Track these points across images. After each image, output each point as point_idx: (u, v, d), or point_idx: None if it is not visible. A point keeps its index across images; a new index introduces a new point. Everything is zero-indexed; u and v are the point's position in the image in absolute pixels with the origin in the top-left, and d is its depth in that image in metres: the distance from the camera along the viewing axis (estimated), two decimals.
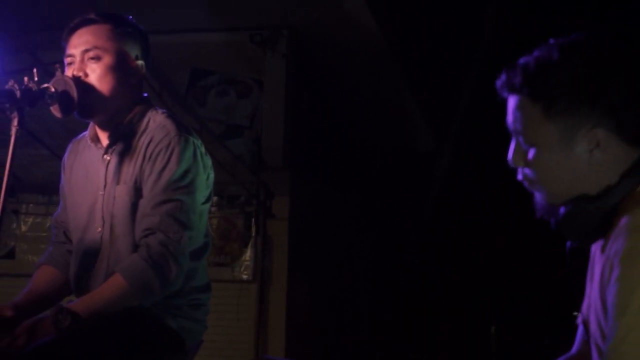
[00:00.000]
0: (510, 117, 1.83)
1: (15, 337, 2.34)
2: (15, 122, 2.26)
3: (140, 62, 2.67)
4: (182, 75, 6.43)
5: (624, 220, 1.67)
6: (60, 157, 5.44)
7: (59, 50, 5.28)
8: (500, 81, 1.83)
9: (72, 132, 5.46)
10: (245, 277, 6.10)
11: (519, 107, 1.79)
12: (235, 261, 6.11)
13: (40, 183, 6.14)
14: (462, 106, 7.06)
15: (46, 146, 5.36)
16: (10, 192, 6.90)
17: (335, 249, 7.38)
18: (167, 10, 5.99)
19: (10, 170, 2.24)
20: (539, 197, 1.85)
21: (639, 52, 1.75)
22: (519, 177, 1.85)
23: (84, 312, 2.36)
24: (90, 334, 2.37)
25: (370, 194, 8.38)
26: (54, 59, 4.83)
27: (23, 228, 6.34)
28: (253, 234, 6.13)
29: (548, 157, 1.77)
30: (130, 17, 2.73)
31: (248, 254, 6.12)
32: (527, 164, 1.81)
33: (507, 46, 6.12)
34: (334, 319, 7.29)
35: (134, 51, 2.66)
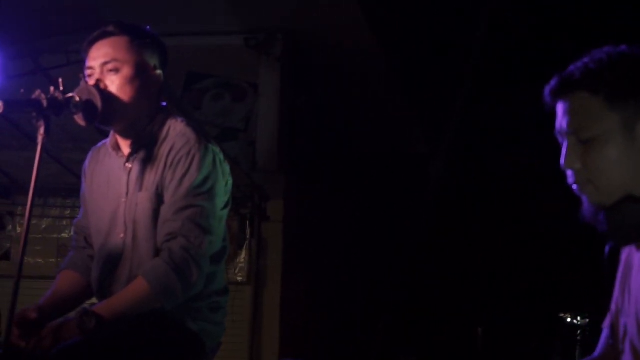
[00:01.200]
0: (564, 120, 1.87)
1: (41, 338, 2.41)
2: (41, 131, 2.31)
3: (158, 72, 2.74)
4: (178, 78, 6.46)
5: None
6: (57, 160, 5.47)
7: (60, 55, 5.29)
8: (551, 86, 1.89)
9: (70, 134, 5.46)
10: (239, 279, 6.12)
11: (578, 103, 1.85)
12: (230, 263, 6.12)
13: (37, 185, 6.13)
14: (457, 108, 7.09)
15: (44, 149, 5.34)
16: (6, 194, 6.79)
17: (331, 251, 7.40)
18: (163, 14, 6.01)
19: (37, 176, 2.29)
20: (586, 201, 1.88)
21: None
22: (570, 180, 1.88)
23: (108, 314, 2.43)
24: (113, 337, 2.44)
25: (366, 196, 8.40)
26: (55, 64, 4.86)
27: (19, 230, 6.34)
28: (248, 236, 6.15)
29: (608, 149, 1.82)
30: (148, 27, 2.78)
31: (243, 256, 6.14)
32: (584, 161, 1.84)
33: (504, 48, 6.18)
34: (328, 321, 7.32)
35: (152, 61, 2.72)
